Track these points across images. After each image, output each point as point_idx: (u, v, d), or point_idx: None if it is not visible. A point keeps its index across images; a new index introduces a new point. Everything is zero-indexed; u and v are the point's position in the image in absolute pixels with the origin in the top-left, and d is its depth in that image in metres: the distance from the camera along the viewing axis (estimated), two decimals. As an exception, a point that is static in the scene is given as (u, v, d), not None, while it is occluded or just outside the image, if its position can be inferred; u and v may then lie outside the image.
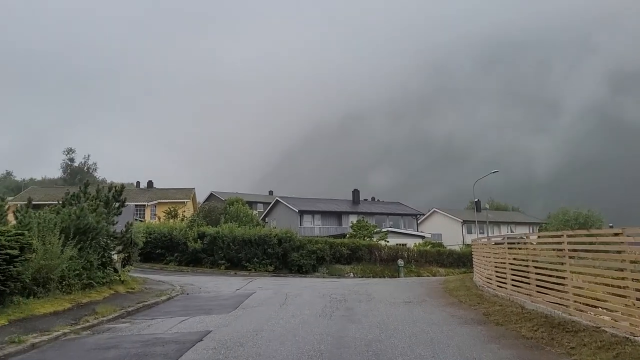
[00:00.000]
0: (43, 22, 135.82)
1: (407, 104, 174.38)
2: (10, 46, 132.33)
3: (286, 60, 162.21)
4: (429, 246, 41.37)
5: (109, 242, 12.52)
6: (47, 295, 9.86)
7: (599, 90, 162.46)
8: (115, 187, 15.11)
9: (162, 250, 30.79)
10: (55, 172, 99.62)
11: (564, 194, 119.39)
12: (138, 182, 62.43)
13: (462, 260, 36.52)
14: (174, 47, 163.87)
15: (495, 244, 12.97)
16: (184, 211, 37.64)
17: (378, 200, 70.21)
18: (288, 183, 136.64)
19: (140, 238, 17.66)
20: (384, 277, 31.35)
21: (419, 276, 32.67)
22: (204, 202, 78.82)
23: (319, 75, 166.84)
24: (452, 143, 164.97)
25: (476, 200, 75.12)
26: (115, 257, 13.61)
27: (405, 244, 41.40)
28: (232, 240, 29.84)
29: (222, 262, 29.64)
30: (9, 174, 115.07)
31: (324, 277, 28.94)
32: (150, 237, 30.62)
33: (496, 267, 11.76)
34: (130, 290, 12.95)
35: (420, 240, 46.44)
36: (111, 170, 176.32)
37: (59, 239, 10.43)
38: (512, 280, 10.33)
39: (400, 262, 32.11)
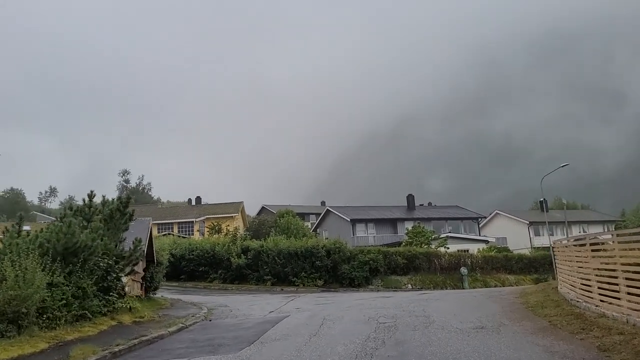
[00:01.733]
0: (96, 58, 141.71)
1: (461, 105, 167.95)
2: (74, 76, 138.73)
3: (333, 69, 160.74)
4: (494, 251, 37.58)
5: (111, 262, 10.56)
6: (21, 333, 7.93)
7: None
8: (121, 198, 13.29)
9: (206, 267, 29.10)
10: (113, 194, 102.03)
11: (635, 189, 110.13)
12: (190, 200, 62.02)
13: (533, 266, 32.65)
14: (221, 64, 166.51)
15: (592, 244, 9.93)
16: (228, 225, 35.85)
17: (434, 205, 66.30)
18: (341, 193, 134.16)
19: (164, 256, 15.78)
20: (446, 287, 28.16)
21: (485, 285, 29.21)
22: (255, 216, 78.12)
23: (367, 82, 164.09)
24: (510, 142, 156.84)
25: (542, 199, 69.96)
26: (124, 279, 11.67)
27: (467, 250, 37.85)
28: (277, 254, 27.70)
29: (268, 277, 27.54)
30: (71, 198, 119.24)
31: (378, 291, 26.17)
32: (192, 254, 29.16)
33: (598, 274, 8.78)
34: (138, 319, 10.93)
35: (483, 245, 42.57)
36: (166, 189, 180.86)
37: (40, 262, 8.53)
38: (629, 294, 7.37)
39: (464, 270, 28.81)
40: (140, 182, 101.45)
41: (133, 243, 11.87)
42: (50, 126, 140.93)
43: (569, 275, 11.50)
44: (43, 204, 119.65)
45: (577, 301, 10.02)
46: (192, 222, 49.60)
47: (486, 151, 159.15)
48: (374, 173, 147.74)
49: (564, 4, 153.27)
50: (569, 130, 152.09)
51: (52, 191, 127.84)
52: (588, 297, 9.46)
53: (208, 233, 38.00)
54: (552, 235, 61.83)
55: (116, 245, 11.52)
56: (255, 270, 28.06)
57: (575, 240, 11.85)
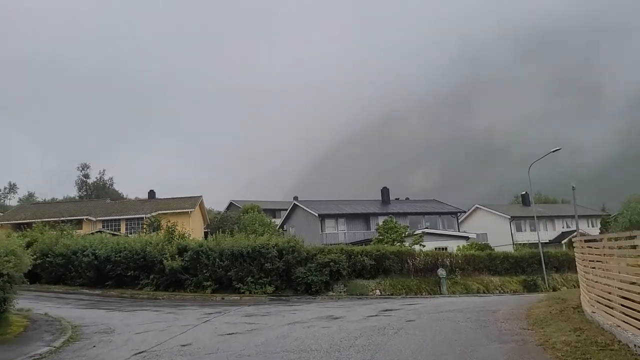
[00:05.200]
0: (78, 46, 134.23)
1: (444, 101, 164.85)
2: (49, 68, 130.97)
3: (316, 65, 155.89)
4: (476, 249, 33.48)
5: None
6: None
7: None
8: None
9: (136, 271, 24.10)
10: (73, 190, 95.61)
11: (616, 185, 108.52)
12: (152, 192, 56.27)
13: (520, 266, 28.58)
14: (204, 59, 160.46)
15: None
16: (181, 223, 30.15)
17: (411, 199, 62.16)
18: (322, 191, 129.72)
19: (13, 261, 10.91)
20: (421, 293, 23.85)
21: (467, 290, 24.99)
22: (223, 213, 72.94)
23: (352, 78, 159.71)
24: (493, 138, 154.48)
25: (524, 192, 66.39)
26: None
27: (446, 248, 33.75)
28: (219, 255, 22.96)
29: (208, 283, 22.81)
30: (31, 195, 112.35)
31: (338, 299, 21.70)
32: (119, 256, 24.13)
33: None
34: None
35: (463, 242, 38.54)
36: (135, 185, 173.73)
37: None
38: None
39: (442, 272, 24.54)
40: (101, 177, 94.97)
41: None
42: (21, 122, 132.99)
43: (591, 287, 7.24)
44: (2, 200, 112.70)
45: (618, 329, 5.73)
46: (142, 218, 44.33)
47: (469, 147, 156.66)
48: (356, 170, 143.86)
49: (547, 1, 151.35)
50: (552, 125, 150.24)
51: (12, 187, 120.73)
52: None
53: (144, 231, 32.87)
54: (534, 230, 58.40)
55: None
56: (194, 274, 23.28)
57: (624, 238, 7.29)
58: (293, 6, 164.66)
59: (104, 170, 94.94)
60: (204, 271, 22.96)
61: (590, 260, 8.33)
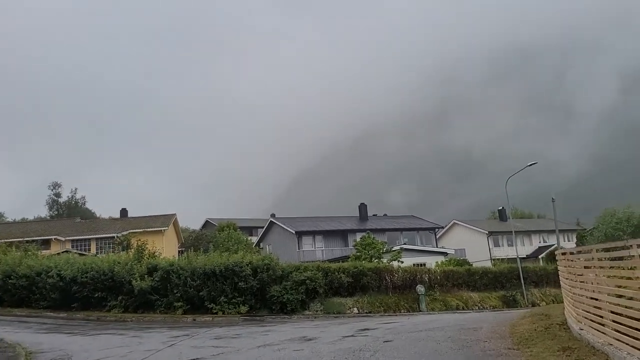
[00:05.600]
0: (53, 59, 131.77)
1: (421, 119, 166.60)
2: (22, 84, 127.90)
3: (293, 84, 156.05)
4: (454, 264, 33.19)
5: None
6: None
7: (613, 91, 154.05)
8: None
9: (103, 292, 22.95)
10: (43, 210, 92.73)
11: (588, 199, 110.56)
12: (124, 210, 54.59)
13: (499, 281, 28.31)
14: (180, 77, 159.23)
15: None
16: (143, 241, 28.91)
17: (389, 215, 61.89)
18: (300, 209, 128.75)
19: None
20: (400, 310, 23.30)
21: (446, 306, 24.53)
22: (197, 231, 71.48)
23: (328, 97, 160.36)
24: (469, 156, 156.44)
25: (500, 208, 66.79)
26: None
27: (424, 264, 33.35)
28: (190, 274, 22.04)
29: (179, 304, 21.85)
30: (0, 215, 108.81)
31: (315, 318, 20.99)
32: (86, 277, 22.96)
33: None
34: None
35: (442, 258, 38.23)
36: (109, 205, 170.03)
37: None
38: None
39: (420, 288, 24.05)
40: (73, 196, 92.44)
41: None
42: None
43: (591, 305, 6.80)
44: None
45: (602, 345, 5.28)
46: (114, 237, 42.89)
47: (446, 164, 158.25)
48: (334, 188, 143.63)
49: (521, 22, 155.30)
50: (527, 142, 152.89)
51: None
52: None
53: (112, 251, 31.64)
54: (511, 245, 58.63)
55: None
56: (164, 295, 22.29)
57: (607, 250, 6.89)
58: (266, 25, 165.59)
59: (75, 189, 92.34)
60: (175, 291, 21.99)
61: (578, 274, 7.87)
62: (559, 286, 29.97)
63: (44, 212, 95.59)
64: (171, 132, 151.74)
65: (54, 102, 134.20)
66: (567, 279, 8.73)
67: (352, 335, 10.79)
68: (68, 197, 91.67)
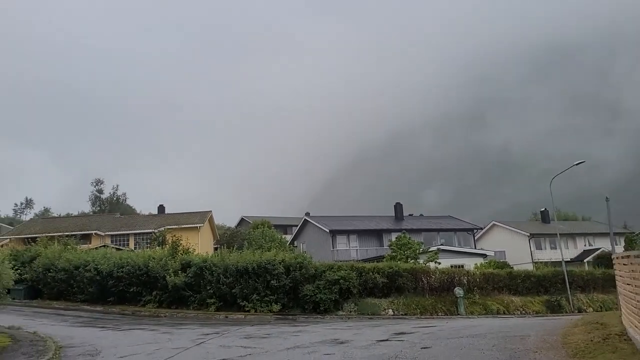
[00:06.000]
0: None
1: (457, 118, 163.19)
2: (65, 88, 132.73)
3: (326, 84, 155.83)
4: (494, 267, 31.94)
5: None
6: None
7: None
8: None
9: (139, 287, 23.14)
10: (87, 206, 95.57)
11: (634, 202, 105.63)
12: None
13: (542, 285, 26.98)
14: (216, 80, 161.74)
15: None
16: (177, 237, 28.82)
17: (425, 215, 60.52)
18: (334, 208, 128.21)
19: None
20: (437, 313, 22.46)
21: (486, 310, 23.52)
22: (233, 228, 71.90)
23: (361, 96, 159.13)
24: (508, 155, 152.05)
25: (543, 209, 64.32)
26: None
27: (463, 266, 32.22)
28: (223, 271, 21.88)
29: (212, 300, 21.76)
30: (46, 210, 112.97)
31: (348, 319, 20.44)
32: (122, 271, 23.19)
33: None
34: None
35: (481, 260, 36.96)
36: (148, 202, 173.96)
37: None
38: None
39: (459, 291, 23.14)
40: (114, 193, 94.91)
41: None
42: (40, 141, 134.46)
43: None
44: (18, 215, 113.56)
45: None
46: (151, 233, 43.40)
47: (484, 165, 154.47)
48: (367, 188, 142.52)
49: (562, 17, 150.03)
50: (568, 142, 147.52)
51: (28, 203, 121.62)
52: None
53: (147, 246, 31.90)
54: (555, 248, 56.32)
55: None
56: (197, 291, 22.23)
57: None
58: (301, 26, 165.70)
59: (117, 186, 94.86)
60: (208, 288, 21.91)
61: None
62: (607, 292, 28.59)
63: (87, 207, 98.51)
64: (210, 135, 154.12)
65: (97, 103, 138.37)
66: (628, 284, 7.86)
67: (387, 340, 10.19)
68: (110, 193, 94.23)
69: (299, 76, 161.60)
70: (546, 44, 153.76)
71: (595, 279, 28.49)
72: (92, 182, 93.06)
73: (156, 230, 39.42)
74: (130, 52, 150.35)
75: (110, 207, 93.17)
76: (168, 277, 21.97)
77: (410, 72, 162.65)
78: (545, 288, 26.74)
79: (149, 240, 41.09)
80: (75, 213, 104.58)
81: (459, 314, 22.49)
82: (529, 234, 53.97)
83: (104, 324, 17.73)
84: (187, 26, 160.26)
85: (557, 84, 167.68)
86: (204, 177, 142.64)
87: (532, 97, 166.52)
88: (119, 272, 23.19)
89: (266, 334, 12.57)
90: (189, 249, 24.49)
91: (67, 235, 35.96)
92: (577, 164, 27.76)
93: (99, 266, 23.52)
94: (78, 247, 29.23)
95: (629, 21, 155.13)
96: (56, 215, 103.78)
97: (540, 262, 46.62)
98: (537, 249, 54.44)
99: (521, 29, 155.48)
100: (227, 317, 20.58)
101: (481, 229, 56.36)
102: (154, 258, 23.54)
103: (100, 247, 30.69)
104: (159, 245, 30.22)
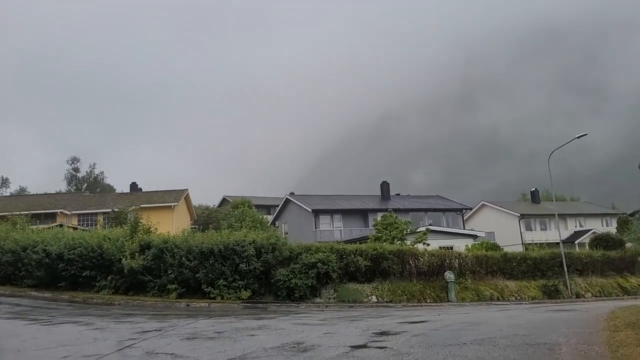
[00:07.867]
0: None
1: (446, 98, 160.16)
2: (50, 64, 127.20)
3: (316, 64, 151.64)
4: (486, 248, 29.85)
5: None
6: None
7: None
8: None
9: (93, 271, 20.47)
10: (62, 185, 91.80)
11: (621, 183, 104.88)
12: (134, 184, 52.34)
13: (539, 269, 24.90)
14: (205, 57, 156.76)
15: None
16: (139, 216, 26.00)
17: (413, 195, 58.32)
18: (321, 189, 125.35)
19: None
20: (425, 300, 20.26)
21: (479, 298, 21.40)
22: (214, 207, 69.18)
23: (351, 76, 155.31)
24: (497, 136, 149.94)
25: (533, 189, 62.59)
26: None
27: (452, 247, 30.10)
28: (186, 253, 19.34)
29: (173, 286, 19.25)
30: (22, 190, 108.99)
31: (327, 307, 18.14)
32: (72, 253, 20.41)
33: None
34: None
35: (471, 241, 34.92)
36: (128, 180, 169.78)
37: None
38: None
39: (450, 275, 20.93)
40: (91, 171, 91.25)
41: None
42: (22, 120, 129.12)
43: None
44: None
45: None
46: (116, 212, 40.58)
47: (472, 145, 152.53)
48: (357, 168, 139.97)
49: (544, 1, 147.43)
50: (558, 123, 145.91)
51: (4, 182, 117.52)
52: None
53: (110, 226, 29.17)
54: (545, 229, 54.70)
55: None
56: (157, 276, 19.69)
57: None
58: (290, 4, 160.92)
59: (94, 164, 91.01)
60: (169, 272, 19.35)
61: None
62: (606, 276, 26.68)
63: (63, 187, 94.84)
64: (193, 113, 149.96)
65: (79, 80, 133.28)
66: None
67: (365, 345, 7.79)
68: (86, 172, 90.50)
69: (285, 55, 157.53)
70: (536, 24, 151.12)
71: (594, 262, 26.54)
72: (68, 160, 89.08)
73: (115, 209, 36.47)
74: (114, 30, 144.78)
75: (88, 186, 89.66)
76: (124, 259, 19.39)
77: (400, 53, 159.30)
78: (542, 272, 24.67)
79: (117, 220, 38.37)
80: (52, 192, 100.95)
81: (449, 301, 20.32)
82: (519, 215, 52.21)
83: (39, 314, 15.14)
84: (172, 2, 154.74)
85: (547, 64, 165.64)
86: (187, 156, 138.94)
87: (520, 78, 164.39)
88: (70, 254, 20.44)
89: (217, 332, 10.12)
90: (150, 228, 21.84)
91: (32, 215, 33.17)
92: (579, 137, 25.58)
93: (47, 247, 20.77)
94: (31, 226, 26.42)
95: (619, 1, 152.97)
96: (31, 194, 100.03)
97: (531, 244, 44.82)
98: (527, 229, 52.76)
99: (512, 9, 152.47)
100: (188, 305, 18.12)
101: (470, 209, 54.46)
102: (109, 238, 20.90)
103: (55, 226, 27.90)
104: (119, 225, 27.48)
